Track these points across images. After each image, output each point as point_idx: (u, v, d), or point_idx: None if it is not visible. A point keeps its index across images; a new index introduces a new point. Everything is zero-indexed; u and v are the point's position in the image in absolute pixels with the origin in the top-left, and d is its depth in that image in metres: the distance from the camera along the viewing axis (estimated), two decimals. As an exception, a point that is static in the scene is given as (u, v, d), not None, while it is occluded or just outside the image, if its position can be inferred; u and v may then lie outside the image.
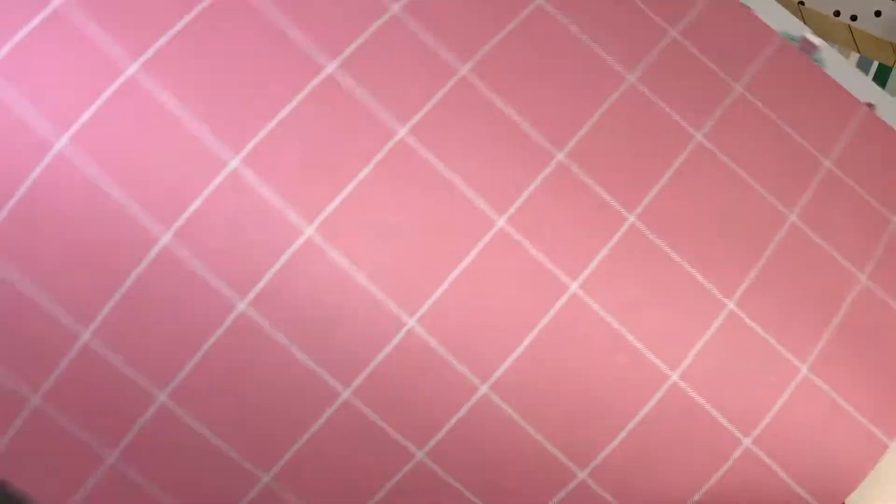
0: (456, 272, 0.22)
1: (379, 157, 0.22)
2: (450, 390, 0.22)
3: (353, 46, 0.23)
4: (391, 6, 0.24)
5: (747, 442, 0.23)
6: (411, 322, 0.22)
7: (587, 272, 0.22)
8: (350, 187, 0.22)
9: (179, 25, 0.22)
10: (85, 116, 0.21)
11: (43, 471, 0.23)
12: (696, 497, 0.23)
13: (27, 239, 0.22)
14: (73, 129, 0.21)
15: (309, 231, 0.22)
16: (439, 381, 0.22)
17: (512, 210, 0.22)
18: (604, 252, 0.23)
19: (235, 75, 0.22)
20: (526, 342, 0.22)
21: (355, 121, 0.22)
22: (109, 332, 0.22)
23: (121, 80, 0.22)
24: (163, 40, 0.22)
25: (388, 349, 0.22)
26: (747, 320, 0.23)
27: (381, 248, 0.22)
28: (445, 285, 0.22)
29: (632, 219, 0.23)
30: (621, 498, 0.23)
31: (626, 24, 0.25)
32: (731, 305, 0.23)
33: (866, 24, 0.61)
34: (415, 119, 0.23)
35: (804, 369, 0.23)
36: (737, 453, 0.23)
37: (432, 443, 0.23)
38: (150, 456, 0.23)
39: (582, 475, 0.23)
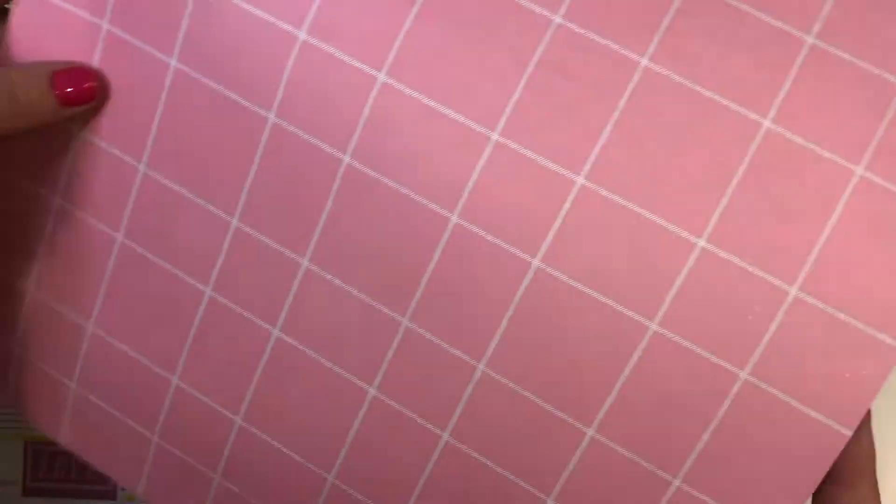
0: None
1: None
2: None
3: None
4: None
5: (744, 374, 0.24)
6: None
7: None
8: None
9: None
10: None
11: None
12: (705, 437, 0.24)
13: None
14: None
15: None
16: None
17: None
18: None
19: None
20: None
21: None
22: None
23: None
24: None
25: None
26: (722, 254, 0.24)
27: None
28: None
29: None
30: (632, 447, 0.25)
31: None
32: (703, 244, 0.24)
33: None
34: None
35: (793, 290, 0.24)
36: (735, 388, 0.24)
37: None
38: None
39: (591, 432, 0.25)
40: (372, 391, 0.27)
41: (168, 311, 0.28)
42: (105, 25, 0.27)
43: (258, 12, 0.25)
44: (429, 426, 0.26)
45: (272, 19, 0.25)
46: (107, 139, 0.28)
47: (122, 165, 0.28)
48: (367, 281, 0.26)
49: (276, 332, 0.27)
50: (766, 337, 0.24)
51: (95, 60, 0.28)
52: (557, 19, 0.24)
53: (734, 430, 0.24)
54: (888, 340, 0.23)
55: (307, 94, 0.25)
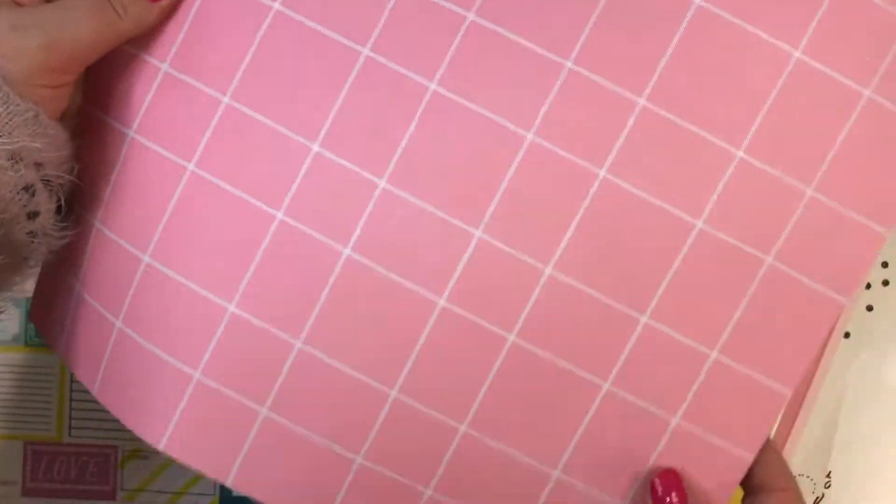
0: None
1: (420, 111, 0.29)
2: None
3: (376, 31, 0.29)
4: None
5: (770, 259, 0.29)
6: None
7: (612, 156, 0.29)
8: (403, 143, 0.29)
9: None
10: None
11: None
12: (737, 315, 0.29)
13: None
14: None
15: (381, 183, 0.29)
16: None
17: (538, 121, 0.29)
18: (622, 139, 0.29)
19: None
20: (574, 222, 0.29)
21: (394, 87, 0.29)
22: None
23: None
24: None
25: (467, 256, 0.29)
26: (756, 163, 0.29)
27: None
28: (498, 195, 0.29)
29: (641, 101, 0.29)
30: (677, 327, 0.29)
31: None
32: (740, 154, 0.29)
33: None
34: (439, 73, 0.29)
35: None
36: (761, 272, 0.29)
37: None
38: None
39: (644, 318, 0.29)
40: (442, 302, 0.29)
41: (232, 237, 0.29)
42: None
43: None
44: (496, 330, 0.29)
45: None
46: (191, 74, 0.30)
47: (204, 97, 0.30)
48: (443, 196, 0.29)
49: (347, 252, 0.29)
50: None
51: (197, 3, 0.31)
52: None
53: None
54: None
55: (402, 33, 0.29)
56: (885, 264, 0.44)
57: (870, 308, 0.44)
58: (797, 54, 0.29)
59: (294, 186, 0.29)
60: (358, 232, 0.29)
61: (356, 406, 0.30)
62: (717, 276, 0.29)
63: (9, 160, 0.28)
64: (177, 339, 0.30)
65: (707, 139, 0.29)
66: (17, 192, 0.28)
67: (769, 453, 0.31)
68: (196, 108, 0.30)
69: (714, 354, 0.29)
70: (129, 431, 0.42)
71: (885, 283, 0.44)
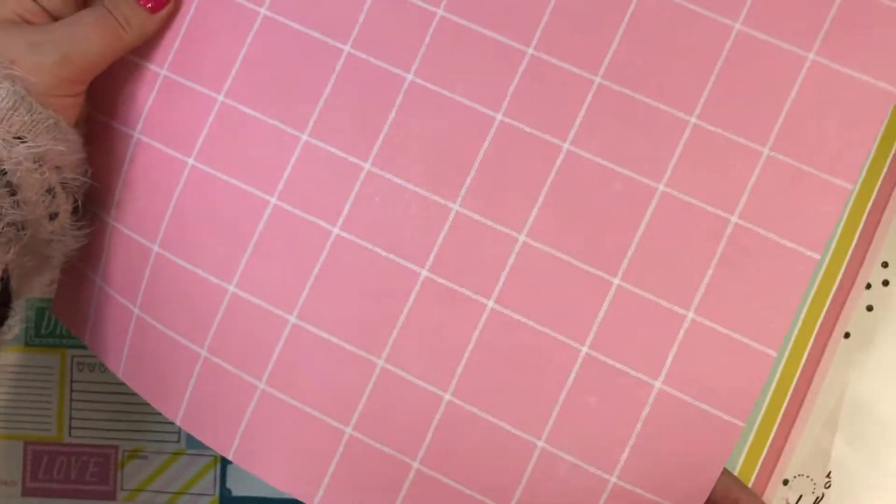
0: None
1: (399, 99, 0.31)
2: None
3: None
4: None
5: (734, 218, 0.31)
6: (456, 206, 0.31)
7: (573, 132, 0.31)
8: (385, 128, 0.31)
9: None
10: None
11: None
12: (709, 274, 0.30)
13: None
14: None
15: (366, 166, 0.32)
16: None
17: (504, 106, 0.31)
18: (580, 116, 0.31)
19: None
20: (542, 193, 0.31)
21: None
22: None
23: None
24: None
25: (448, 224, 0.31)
26: (710, 127, 0.31)
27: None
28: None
29: (597, 80, 0.31)
30: (649, 288, 0.31)
31: None
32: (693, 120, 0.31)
33: None
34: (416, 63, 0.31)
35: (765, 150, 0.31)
36: (728, 230, 0.31)
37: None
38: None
39: (616, 281, 0.31)
40: (424, 273, 0.31)
41: (230, 223, 0.32)
42: None
43: None
44: (476, 297, 0.31)
45: None
46: (188, 77, 0.33)
47: (201, 97, 0.33)
48: (423, 175, 0.31)
49: (336, 230, 0.31)
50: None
51: (192, 8, 0.33)
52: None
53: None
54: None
55: (379, 30, 0.32)
56: (885, 264, 0.44)
57: (870, 308, 0.44)
58: (738, 26, 0.31)
59: (286, 174, 0.32)
60: (346, 212, 0.31)
61: (345, 376, 0.31)
62: (683, 236, 0.31)
63: (34, 163, 0.30)
64: (185, 320, 0.33)
65: (660, 108, 0.31)
66: (42, 195, 0.31)
67: (720, 478, 0.31)
68: (194, 107, 0.33)
69: (690, 315, 0.30)
70: (129, 431, 0.43)
71: (885, 283, 0.44)
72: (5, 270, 0.30)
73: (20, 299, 0.32)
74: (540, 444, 0.31)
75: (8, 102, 0.30)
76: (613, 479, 0.30)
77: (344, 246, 0.31)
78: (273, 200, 0.32)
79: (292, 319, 0.32)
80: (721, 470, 0.31)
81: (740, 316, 0.31)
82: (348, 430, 0.31)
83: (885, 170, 0.43)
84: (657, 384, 0.30)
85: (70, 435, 0.45)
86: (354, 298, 0.31)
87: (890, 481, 0.44)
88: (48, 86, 0.31)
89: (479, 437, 0.31)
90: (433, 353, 0.31)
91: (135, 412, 0.44)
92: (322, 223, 0.32)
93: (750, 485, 0.43)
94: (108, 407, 0.45)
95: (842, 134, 0.31)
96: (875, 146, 0.42)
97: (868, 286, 0.44)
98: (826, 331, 0.44)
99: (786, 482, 0.44)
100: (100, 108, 0.35)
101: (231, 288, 0.32)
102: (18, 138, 0.30)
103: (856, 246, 0.44)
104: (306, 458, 0.31)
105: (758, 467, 0.44)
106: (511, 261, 0.31)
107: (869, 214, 0.43)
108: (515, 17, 0.31)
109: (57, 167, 0.32)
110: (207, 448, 0.44)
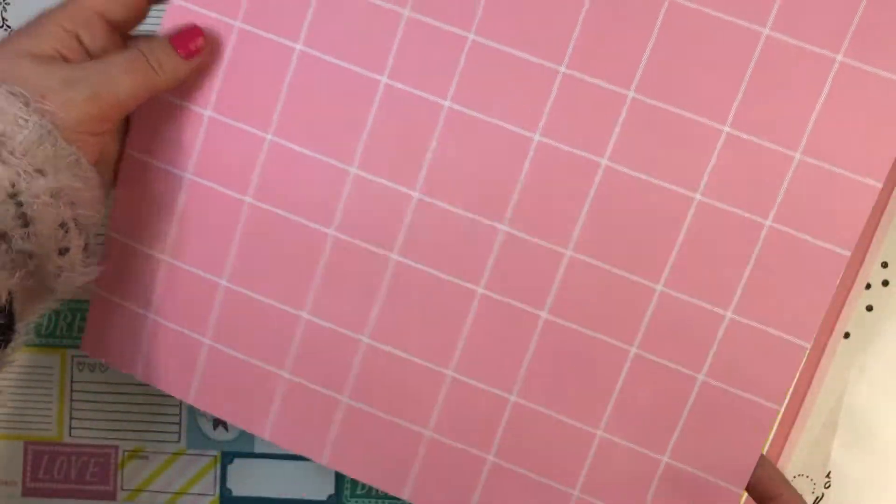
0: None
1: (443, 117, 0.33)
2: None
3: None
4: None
5: (768, 222, 0.33)
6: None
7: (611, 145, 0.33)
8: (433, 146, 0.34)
9: None
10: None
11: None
12: (746, 276, 0.33)
13: None
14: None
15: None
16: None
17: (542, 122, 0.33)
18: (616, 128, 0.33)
19: None
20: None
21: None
22: None
23: None
24: None
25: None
26: (743, 135, 0.32)
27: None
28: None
29: (630, 94, 0.32)
30: (690, 292, 0.33)
31: None
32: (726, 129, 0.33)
33: None
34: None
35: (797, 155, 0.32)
36: (763, 234, 0.33)
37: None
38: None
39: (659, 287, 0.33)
40: (480, 290, 0.34)
41: (295, 255, 0.35)
42: (237, 24, 0.35)
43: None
44: (530, 309, 0.34)
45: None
46: (234, 117, 0.35)
47: (249, 136, 0.34)
48: (469, 198, 0.33)
49: (395, 256, 0.34)
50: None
51: (230, 49, 0.35)
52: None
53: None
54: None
55: (413, 58, 0.33)
56: (884, 264, 0.44)
57: (870, 308, 0.44)
58: (766, 31, 0.32)
59: (341, 205, 0.34)
60: (401, 238, 0.34)
61: (420, 386, 0.35)
62: (721, 242, 0.33)
63: (51, 197, 0.31)
64: (263, 346, 0.36)
65: (693, 119, 0.32)
66: (55, 229, 0.31)
67: (765, 468, 0.34)
68: (244, 147, 0.35)
69: (729, 314, 0.33)
70: (129, 431, 0.43)
71: (885, 283, 0.44)
72: (10, 293, 0.31)
73: (23, 322, 0.32)
74: (599, 433, 0.34)
75: (34, 136, 0.31)
76: (665, 459, 0.34)
77: (403, 270, 0.34)
78: (331, 232, 0.34)
79: (365, 340, 0.35)
80: (761, 450, 0.34)
81: (776, 313, 0.33)
82: (428, 432, 0.35)
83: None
84: (700, 377, 0.33)
85: (70, 435, 0.45)
86: (418, 317, 0.34)
87: (890, 482, 0.45)
88: (75, 122, 0.32)
89: (544, 431, 0.34)
90: (497, 361, 0.34)
91: (135, 412, 0.45)
92: (381, 251, 0.34)
93: None
94: (108, 407, 0.45)
95: (870, 133, 0.32)
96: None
97: (868, 286, 0.44)
98: (826, 331, 0.44)
99: (786, 482, 0.44)
100: (140, 148, 0.36)
101: (304, 315, 0.35)
102: (39, 171, 0.31)
103: (855, 246, 0.44)
104: (392, 459, 0.35)
105: (758, 467, 0.44)
106: (560, 274, 0.33)
107: (868, 215, 0.44)
108: (546, 37, 0.32)
109: (72, 203, 0.32)
110: (207, 448, 0.44)
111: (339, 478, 0.44)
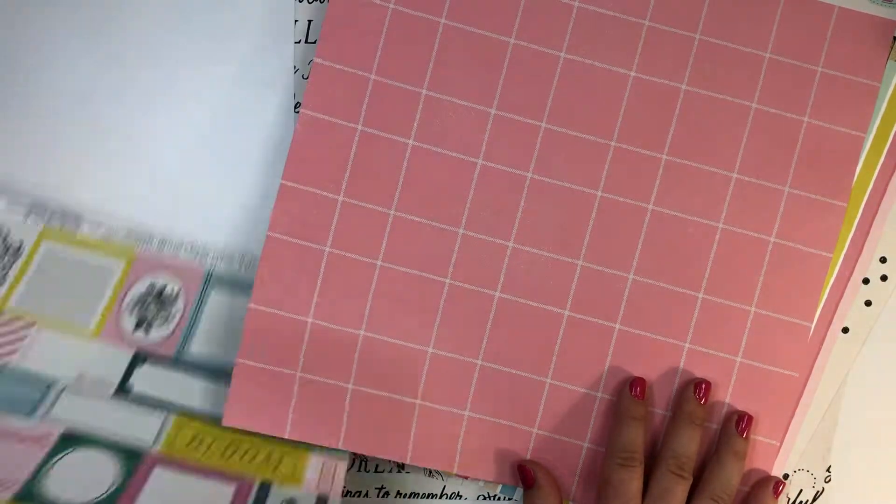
0: None
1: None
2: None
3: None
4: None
5: (773, 239, 0.44)
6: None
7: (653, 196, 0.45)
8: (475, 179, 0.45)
9: None
10: None
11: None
12: (761, 279, 0.44)
13: None
14: None
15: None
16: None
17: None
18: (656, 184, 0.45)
19: None
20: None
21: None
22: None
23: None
24: None
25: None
26: (746, 178, 0.45)
27: None
28: None
29: (664, 157, 0.45)
30: (724, 296, 0.45)
31: None
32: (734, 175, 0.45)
33: None
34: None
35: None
36: (769, 248, 0.45)
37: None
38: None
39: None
40: (566, 312, 0.45)
41: (419, 303, 0.45)
42: (359, 126, 0.45)
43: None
44: (608, 323, 0.45)
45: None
46: (363, 199, 0.45)
47: (377, 214, 0.45)
48: (552, 244, 0.45)
49: (497, 294, 0.45)
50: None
51: (353, 149, 0.45)
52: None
53: None
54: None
55: (502, 143, 0.45)
56: (883, 259, 0.44)
57: (868, 303, 0.44)
58: (754, 105, 0.44)
59: (453, 259, 0.45)
60: (502, 280, 0.45)
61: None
62: (741, 257, 0.44)
63: None
64: (397, 380, 0.44)
65: (711, 171, 0.45)
66: None
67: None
68: (373, 222, 0.45)
69: (753, 308, 0.44)
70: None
71: (884, 278, 0.44)
72: None
73: None
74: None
75: None
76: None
77: (505, 305, 0.44)
78: (447, 281, 0.45)
79: (479, 363, 0.45)
80: (793, 411, 0.44)
81: (786, 302, 0.44)
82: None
83: (878, 167, 0.44)
84: (738, 359, 0.44)
85: (74, 436, 0.45)
86: (521, 340, 0.45)
87: (889, 476, 0.45)
88: None
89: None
90: (585, 367, 0.45)
91: (138, 413, 0.45)
92: (487, 291, 0.45)
93: (750, 480, 0.43)
94: (111, 408, 0.45)
95: (835, 167, 0.44)
96: (868, 146, 0.43)
97: (866, 281, 0.44)
98: (824, 326, 0.44)
99: (786, 476, 0.44)
100: (286, 232, 0.45)
101: (430, 349, 0.45)
102: None
103: (853, 242, 0.44)
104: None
105: (758, 463, 0.44)
106: (626, 294, 0.44)
107: (865, 210, 0.44)
108: (598, 120, 0.44)
109: None
110: (211, 448, 0.45)
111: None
